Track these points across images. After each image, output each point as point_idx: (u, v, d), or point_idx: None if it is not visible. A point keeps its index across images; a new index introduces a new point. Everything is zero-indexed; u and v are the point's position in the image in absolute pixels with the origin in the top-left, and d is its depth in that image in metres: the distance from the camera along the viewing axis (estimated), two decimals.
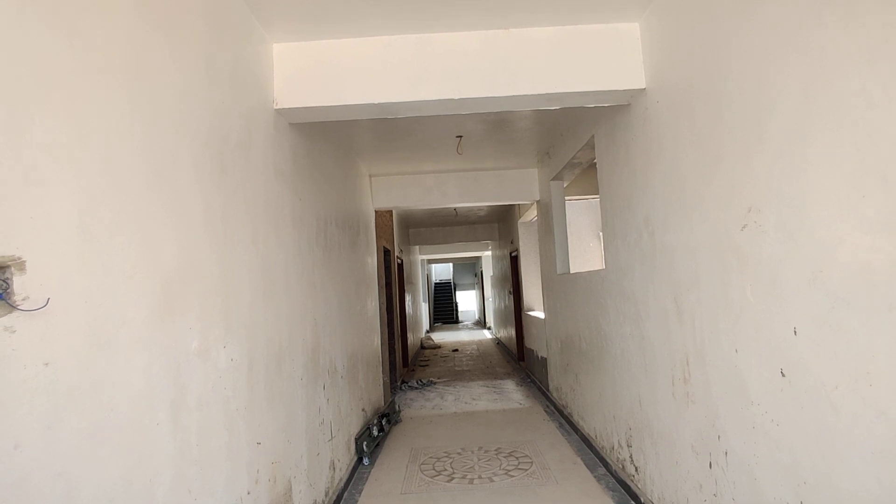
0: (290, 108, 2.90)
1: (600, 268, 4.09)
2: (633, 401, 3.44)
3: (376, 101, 2.86)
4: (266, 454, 2.46)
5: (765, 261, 1.92)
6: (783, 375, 1.86)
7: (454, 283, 23.90)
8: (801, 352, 1.76)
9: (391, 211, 8.13)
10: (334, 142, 4.45)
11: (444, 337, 16.45)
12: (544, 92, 2.90)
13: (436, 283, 23.52)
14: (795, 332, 1.77)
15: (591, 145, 4.17)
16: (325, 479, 3.49)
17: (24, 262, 1.16)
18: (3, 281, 1.10)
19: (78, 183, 1.33)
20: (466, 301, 24.56)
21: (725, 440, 2.29)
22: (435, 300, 23.01)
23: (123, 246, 1.49)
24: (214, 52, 2.17)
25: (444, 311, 23.09)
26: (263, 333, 2.51)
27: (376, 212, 6.56)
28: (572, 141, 4.62)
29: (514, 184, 6.37)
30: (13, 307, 1.11)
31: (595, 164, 4.25)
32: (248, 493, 2.24)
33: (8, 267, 1.12)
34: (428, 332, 17.58)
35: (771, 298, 1.90)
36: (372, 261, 6.05)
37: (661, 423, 3.00)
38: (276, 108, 2.88)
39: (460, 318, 23.33)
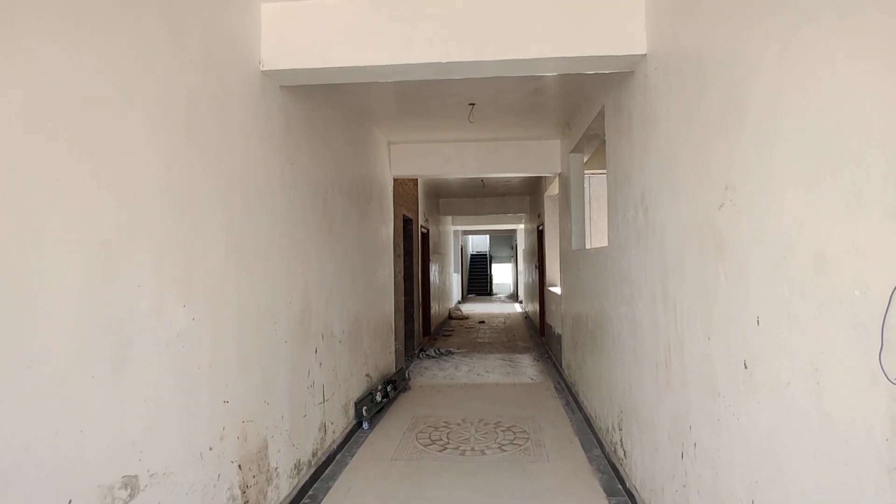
0: (277, 70, 2.86)
1: (605, 245, 3.94)
2: (625, 384, 3.33)
3: (361, 64, 2.78)
4: (235, 413, 2.51)
5: (736, 243, 1.77)
6: (746, 367, 1.73)
7: (490, 256, 23.77)
8: (761, 344, 1.62)
9: (416, 180, 8.07)
10: (343, 107, 4.40)
11: (473, 308, 16.47)
12: (538, 56, 2.74)
13: (472, 255, 23.46)
14: (758, 321, 1.64)
15: (602, 115, 3.97)
16: (314, 441, 3.56)
17: None
18: None
19: None
20: (502, 274, 24.43)
21: (696, 431, 2.18)
22: (470, 272, 22.99)
23: (50, 201, 1.50)
24: (180, 10, 2.14)
25: (479, 282, 23.05)
26: (235, 295, 2.53)
27: (396, 180, 6.52)
28: (587, 111, 4.41)
29: (536, 156, 6.18)
30: None
31: None
32: (211, 449, 2.30)
33: None
34: (459, 302, 17.64)
35: (739, 285, 1.76)
36: (387, 229, 6.04)
37: (646, 408, 2.89)
38: (262, 69, 2.84)
39: (494, 291, 23.26)
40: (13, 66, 1.41)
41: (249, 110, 2.72)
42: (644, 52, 2.70)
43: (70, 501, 1.55)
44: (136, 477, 1.82)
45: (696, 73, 2.09)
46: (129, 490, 1.78)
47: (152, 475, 1.91)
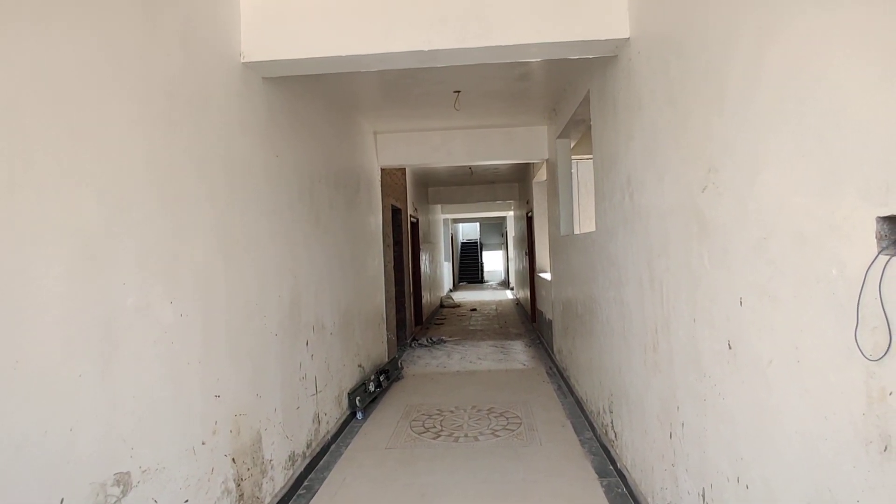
0: (257, 62, 2.83)
1: (593, 230, 3.95)
2: (615, 367, 3.37)
3: (343, 54, 2.75)
4: (227, 407, 2.51)
5: (719, 225, 1.79)
6: (730, 348, 1.76)
7: (481, 243, 23.79)
8: (744, 324, 1.65)
9: (404, 169, 8.04)
10: (327, 98, 4.37)
11: (465, 296, 16.51)
12: (522, 42, 2.73)
13: (462, 243, 23.47)
14: (741, 302, 1.66)
15: (588, 101, 3.97)
16: (308, 432, 3.58)
17: None
18: None
19: None
20: (493, 261, 24.48)
21: (683, 411, 2.22)
22: (461, 260, 23.01)
23: (28, 199, 1.48)
24: (158, 5, 2.10)
25: (470, 270, 23.09)
26: (224, 289, 2.52)
27: (383, 170, 6.49)
28: (573, 97, 4.41)
29: (523, 142, 6.17)
30: None
31: None
32: (204, 444, 2.30)
33: None
34: (451, 291, 17.68)
35: (722, 266, 1.78)
36: (375, 219, 6.03)
37: (636, 391, 2.93)
38: (243, 61, 2.81)
39: (486, 279, 23.32)
40: None
41: (232, 103, 2.69)
42: (627, 36, 2.70)
43: (62, 500, 1.55)
44: (128, 473, 1.82)
45: (677, 55, 2.10)
46: (121, 487, 1.79)
47: (144, 471, 1.91)
